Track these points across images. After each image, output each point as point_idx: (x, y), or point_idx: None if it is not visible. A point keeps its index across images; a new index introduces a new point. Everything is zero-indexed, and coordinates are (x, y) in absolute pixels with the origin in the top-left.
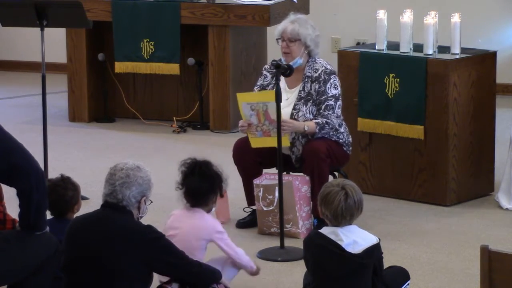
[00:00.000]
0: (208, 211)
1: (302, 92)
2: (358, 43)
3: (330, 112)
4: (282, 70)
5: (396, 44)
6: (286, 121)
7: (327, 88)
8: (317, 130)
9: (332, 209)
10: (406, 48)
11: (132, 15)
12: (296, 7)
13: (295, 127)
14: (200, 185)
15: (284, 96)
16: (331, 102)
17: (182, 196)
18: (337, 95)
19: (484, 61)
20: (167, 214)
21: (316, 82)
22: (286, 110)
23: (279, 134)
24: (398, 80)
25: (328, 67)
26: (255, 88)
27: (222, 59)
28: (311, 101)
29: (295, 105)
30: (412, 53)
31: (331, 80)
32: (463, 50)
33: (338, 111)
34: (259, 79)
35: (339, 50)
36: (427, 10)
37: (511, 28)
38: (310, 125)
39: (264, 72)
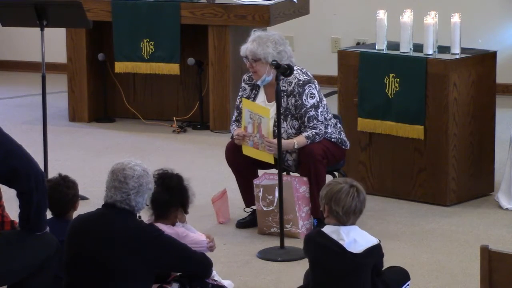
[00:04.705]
0: (172, 224)
1: (280, 108)
2: (358, 43)
3: (314, 122)
4: (282, 70)
5: (396, 44)
6: (274, 142)
7: (303, 100)
8: (308, 143)
9: (345, 206)
10: (406, 48)
11: (132, 15)
12: (296, 7)
13: (283, 146)
14: (161, 196)
15: None
16: (312, 113)
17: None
18: (315, 103)
19: (484, 61)
20: None
21: (291, 96)
22: None
23: (279, 136)
24: (398, 80)
25: (301, 77)
26: (238, 98)
27: (222, 59)
28: (290, 116)
29: (275, 121)
30: (412, 53)
31: (306, 91)
32: (463, 50)
33: (322, 117)
34: (240, 90)
35: (339, 50)
36: (427, 10)
37: (511, 28)
38: (300, 141)
39: (243, 85)
